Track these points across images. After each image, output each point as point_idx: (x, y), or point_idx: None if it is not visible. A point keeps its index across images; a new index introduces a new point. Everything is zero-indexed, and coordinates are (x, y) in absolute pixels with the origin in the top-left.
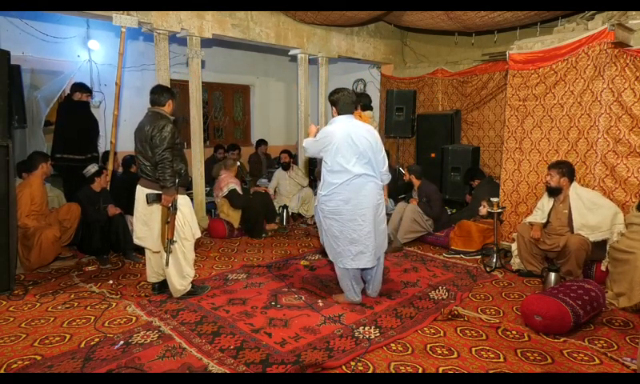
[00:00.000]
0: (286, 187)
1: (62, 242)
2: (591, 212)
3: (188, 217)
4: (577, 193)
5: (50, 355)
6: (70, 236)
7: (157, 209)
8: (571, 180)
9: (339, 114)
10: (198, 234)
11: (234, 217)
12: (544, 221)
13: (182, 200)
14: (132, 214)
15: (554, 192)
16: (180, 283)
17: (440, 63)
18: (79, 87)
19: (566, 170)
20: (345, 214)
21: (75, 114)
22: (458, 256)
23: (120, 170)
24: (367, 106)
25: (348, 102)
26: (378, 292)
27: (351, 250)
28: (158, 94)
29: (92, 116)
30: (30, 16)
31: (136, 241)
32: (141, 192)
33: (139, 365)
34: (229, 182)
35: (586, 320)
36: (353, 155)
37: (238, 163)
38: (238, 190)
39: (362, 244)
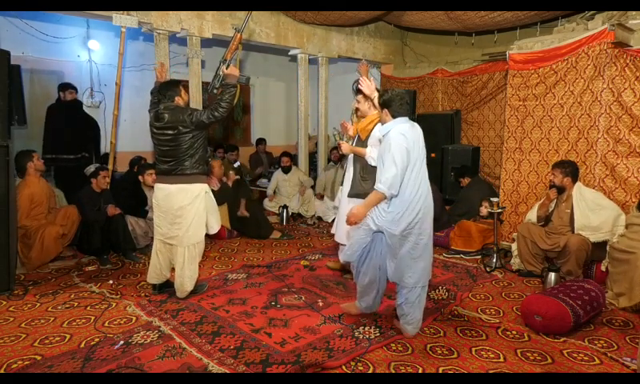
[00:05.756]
0: (286, 188)
1: (62, 242)
2: (594, 213)
3: (203, 216)
4: (580, 193)
5: (50, 355)
6: (70, 239)
7: (191, 204)
8: (575, 180)
9: (394, 116)
10: (214, 230)
11: (222, 217)
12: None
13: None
14: (132, 214)
15: (557, 191)
16: (190, 284)
17: (440, 63)
18: (63, 87)
19: (570, 169)
20: (418, 227)
21: (66, 114)
22: (458, 256)
23: (123, 170)
24: None
25: (404, 102)
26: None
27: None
28: (164, 92)
29: (86, 116)
30: (30, 16)
31: (170, 241)
32: (179, 191)
33: (139, 365)
34: (211, 184)
35: (586, 320)
36: (423, 161)
37: (238, 164)
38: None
39: (429, 256)
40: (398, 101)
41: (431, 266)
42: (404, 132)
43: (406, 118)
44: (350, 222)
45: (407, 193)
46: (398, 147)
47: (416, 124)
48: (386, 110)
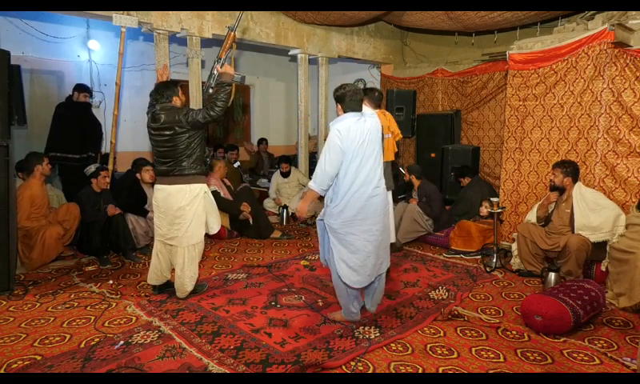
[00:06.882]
0: (286, 190)
1: (63, 241)
2: (594, 213)
3: (202, 216)
4: (581, 193)
5: (50, 355)
6: (70, 236)
7: (189, 204)
8: (575, 180)
9: (345, 111)
10: (214, 230)
11: (222, 217)
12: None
13: (206, 189)
14: (133, 213)
15: (557, 191)
16: (191, 284)
17: (440, 63)
18: (79, 88)
19: (571, 169)
20: (361, 224)
21: (75, 114)
22: (458, 256)
23: (123, 170)
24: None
25: (356, 98)
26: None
27: (367, 264)
28: (163, 91)
29: (94, 117)
30: (30, 16)
31: (170, 242)
32: (177, 191)
33: (139, 365)
34: (211, 184)
35: (585, 320)
36: (370, 157)
37: (238, 164)
38: (219, 191)
39: (376, 255)
40: (349, 96)
41: (385, 258)
42: (341, 128)
43: (356, 113)
44: (298, 217)
45: (342, 188)
46: (330, 144)
47: (367, 119)
48: (339, 105)
